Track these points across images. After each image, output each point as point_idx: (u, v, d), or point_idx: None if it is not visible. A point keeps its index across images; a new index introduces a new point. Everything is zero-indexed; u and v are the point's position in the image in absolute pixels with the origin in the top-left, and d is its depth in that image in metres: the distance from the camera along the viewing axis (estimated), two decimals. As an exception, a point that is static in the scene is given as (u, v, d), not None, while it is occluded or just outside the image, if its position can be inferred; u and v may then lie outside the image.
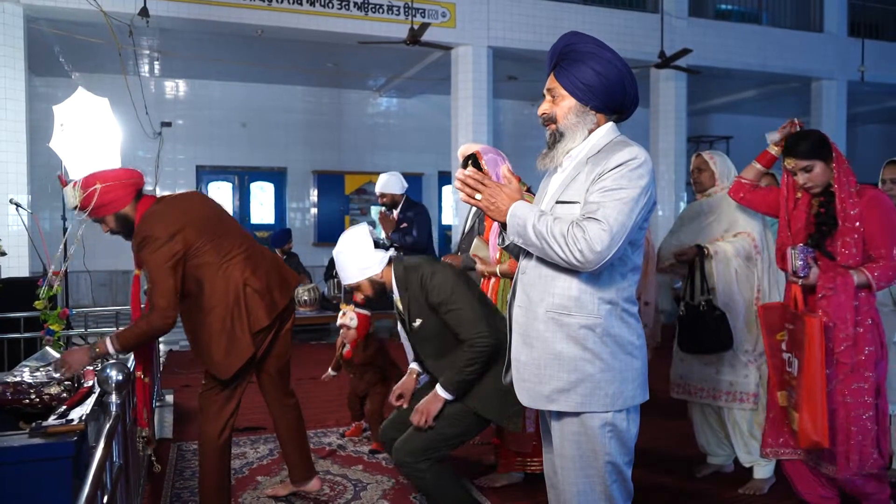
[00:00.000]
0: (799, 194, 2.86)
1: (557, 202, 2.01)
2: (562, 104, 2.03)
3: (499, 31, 9.55)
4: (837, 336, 2.64)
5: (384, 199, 6.21)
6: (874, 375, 2.65)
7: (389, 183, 6.14)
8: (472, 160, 3.62)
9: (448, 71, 9.88)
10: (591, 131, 2.03)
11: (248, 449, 4.02)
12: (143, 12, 7.41)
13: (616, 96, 2.02)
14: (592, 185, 1.92)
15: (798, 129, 3.00)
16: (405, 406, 2.96)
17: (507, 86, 11.97)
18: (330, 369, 4.26)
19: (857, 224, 2.66)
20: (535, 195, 3.66)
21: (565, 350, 1.94)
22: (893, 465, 3.50)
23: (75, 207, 2.86)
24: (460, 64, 9.59)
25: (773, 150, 3.15)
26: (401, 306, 2.85)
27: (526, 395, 2.03)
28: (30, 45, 7.91)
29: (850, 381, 2.65)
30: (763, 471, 3.40)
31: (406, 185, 6.28)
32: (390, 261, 2.85)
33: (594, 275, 1.92)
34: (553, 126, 2.05)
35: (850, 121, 13.11)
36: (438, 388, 2.72)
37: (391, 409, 3.14)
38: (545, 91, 2.07)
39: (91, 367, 2.83)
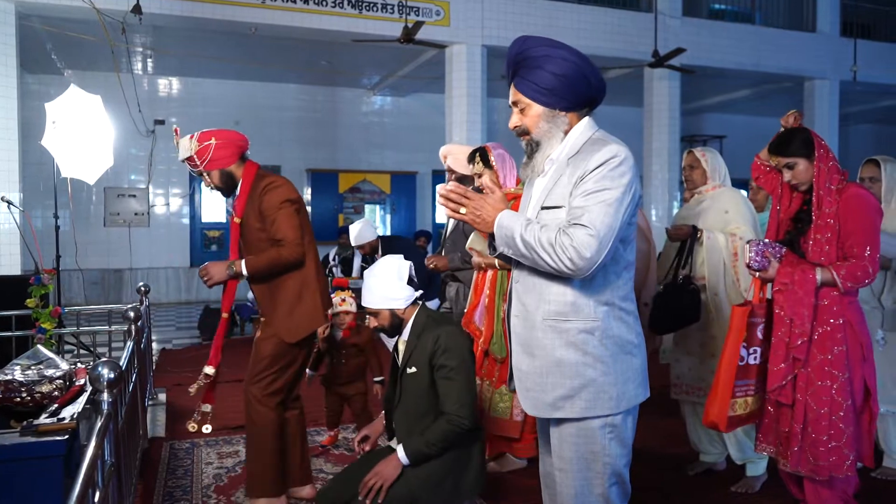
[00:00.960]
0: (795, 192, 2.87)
1: (543, 208, 2.00)
2: (530, 113, 2.02)
3: (493, 30, 9.55)
4: (793, 332, 2.65)
5: (364, 251, 6.30)
6: (846, 375, 2.60)
7: (362, 233, 6.14)
8: (482, 154, 3.60)
9: (442, 69, 9.88)
10: (566, 132, 2.02)
11: (241, 447, 4.01)
12: (136, 9, 7.39)
13: (581, 92, 2.00)
14: (575, 187, 1.91)
15: (798, 119, 3.02)
16: (367, 449, 2.85)
17: (501, 85, 11.95)
18: (308, 369, 4.18)
19: (832, 222, 2.63)
20: None
21: (566, 356, 1.93)
22: (885, 462, 3.52)
23: (186, 159, 3.15)
24: (454, 62, 9.59)
25: None
26: (402, 349, 2.78)
27: (530, 403, 2.02)
28: (22, 42, 7.87)
29: (815, 379, 2.63)
30: (755, 468, 3.41)
31: (376, 227, 6.35)
32: (417, 302, 2.77)
33: (588, 278, 1.90)
34: (527, 137, 2.05)
35: (843, 120, 13.17)
36: (399, 452, 2.57)
37: (377, 403, 3.11)
38: (510, 104, 2.07)
39: (84, 366, 2.83)
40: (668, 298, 3.38)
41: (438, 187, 2.03)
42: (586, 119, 2.04)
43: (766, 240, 2.81)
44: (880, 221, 2.69)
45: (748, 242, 2.77)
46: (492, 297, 3.52)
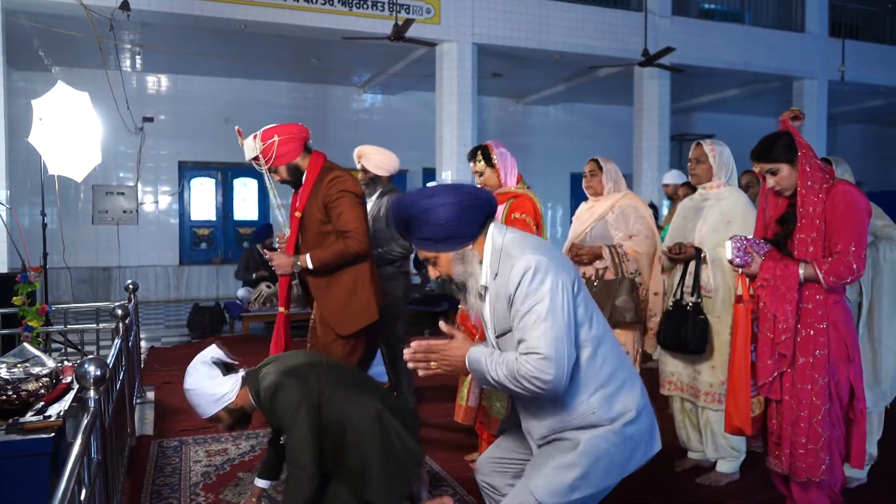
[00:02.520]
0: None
1: (497, 337, 2.09)
2: (441, 263, 2.09)
3: (483, 28, 9.55)
4: (777, 327, 2.63)
5: None
6: (825, 379, 2.59)
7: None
8: (483, 152, 3.60)
9: (432, 67, 9.88)
10: (481, 261, 2.07)
11: (230, 445, 4.00)
12: (124, 6, 7.35)
13: (474, 221, 2.05)
14: (510, 309, 1.98)
15: (799, 116, 2.98)
16: None
17: (491, 83, 11.99)
18: None
19: (818, 222, 2.60)
20: (529, 188, 3.67)
21: (571, 453, 2.02)
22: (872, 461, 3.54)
23: (254, 158, 3.24)
24: (445, 60, 9.59)
25: None
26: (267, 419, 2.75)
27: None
28: (8, 39, 7.81)
29: (797, 381, 2.62)
30: (726, 465, 3.43)
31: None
32: (244, 380, 2.68)
33: (567, 385, 1.96)
34: (451, 283, 2.12)
35: (831, 120, 13.26)
36: None
37: None
38: (423, 260, 2.14)
39: (71, 364, 2.81)
40: (677, 322, 3.35)
41: (405, 353, 2.09)
42: (490, 232, 2.09)
43: (748, 236, 2.79)
44: (869, 218, 2.64)
45: (730, 238, 2.76)
46: None
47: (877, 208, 3.33)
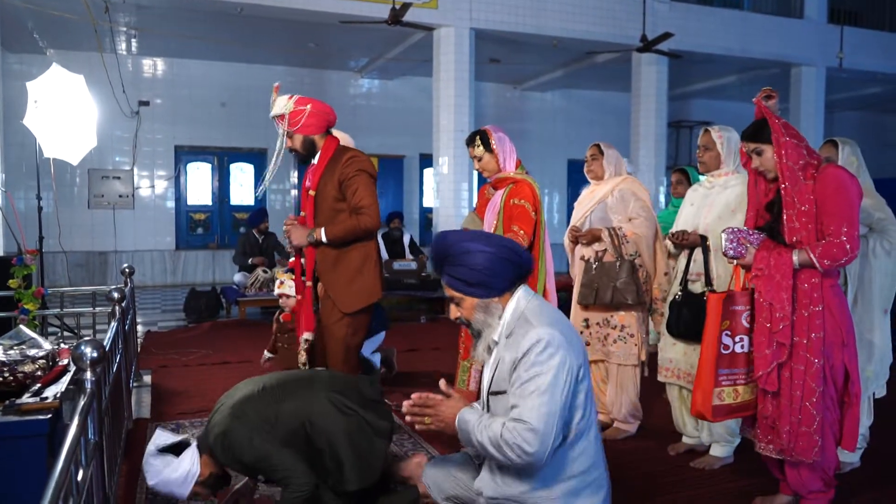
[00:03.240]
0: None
1: (490, 393, 2.11)
2: (465, 306, 2.14)
3: (481, 13, 9.50)
4: (774, 316, 2.65)
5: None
6: (820, 362, 2.61)
7: None
8: (482, 136, 3.60)
9: (430, 52, 9.83)
10: (500, 317, 2.12)
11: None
12: (120, -12, 7.29)
13: (508, 276, 2.10)
14: (512, 373, 2.00)
15: (772, 95, 2.94)
16: None
17: (489, 68, 11.93)
18: (266, 352, 4.12)
19: (807, 207, 2.60)
20: (528, 173, 3.67)
21: None
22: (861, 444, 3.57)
23: (278, 116, 3.31)
24: (442, 45, 9.54)
25: None
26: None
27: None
28: (3, 21, 7.76)
29: (790, 363, 2.64)
30: (720, 450, 3.44)
31: None
32: (200, 448, 2.58)
33: (543, 464, 1.99)
34: (468, 326, 2.17)
35: (828, 107, 13.24)
36: None
37: None
38: (448, 297, 2.18)
39: (67, 347, 2.81)
40: (690, 311, 3.33)
41: (404, 405, 2.13)
42: (518, 293, 2.14)
43: (741, 227, 2.80)
44: (860, 200, 2.65)
45: (723, 231, 2.77)
46: None
47: (879, 200, 3.32)
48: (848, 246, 2.55)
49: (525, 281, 2.18)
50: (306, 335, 3.45)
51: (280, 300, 3.86)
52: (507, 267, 2.08)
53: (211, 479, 2.59)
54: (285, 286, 3.84)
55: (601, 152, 3.89)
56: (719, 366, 2.78)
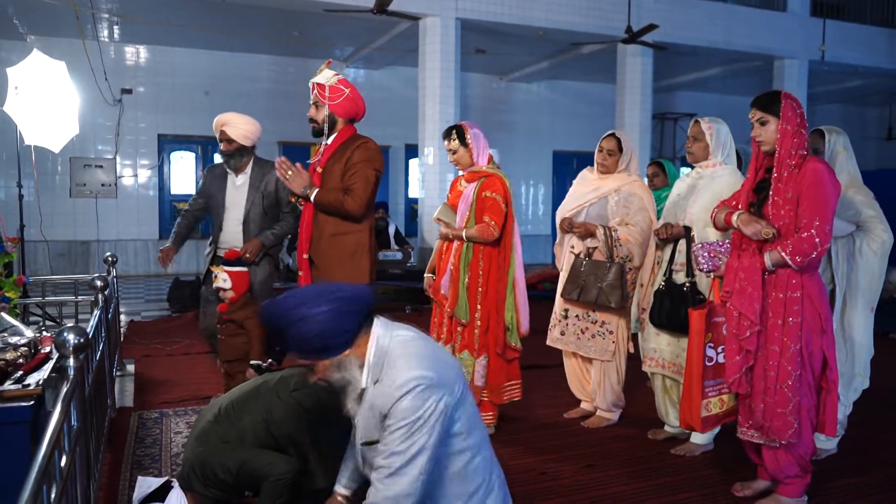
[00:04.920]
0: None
1: (362, 444, 2.08)
2: (318, 370, 2.04)
3: (467, 3, 9.47)
4: (741, 324, 2.71)
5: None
6: (797, 346, 2.64)
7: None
8: (458, 131, 3.62)
9: (416, 42, 9.80)
10: (361, 363, 2.03)
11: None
12: (102, -26, 7.19)
13: (351, 327, 2.00)
14: (382, 422, 1.98)
15: None
16: None
17: (475, 59, 11.91)
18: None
19: (790, 195, 2.63)
20: (500, 168, 3.69)
21: None
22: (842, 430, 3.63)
23: (318, 84, 3.44)
24: (428, 35, 9.51)
25: None
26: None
27: None
28: (-18, 6, 7.64)
29: (766, 342, 2.68)
30: (700, 437, 3.48)
31: None
32: (183, 488, 2.58)
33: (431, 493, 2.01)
34: (331, 387, 2.09)
35: (811, 100, 13.35)
36: None
37: None
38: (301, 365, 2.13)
39: (49, 335, 2.80)
40: (672, 301, 3.35)
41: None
42: (375, 332, 2.04)
43: (710, 242, 2.92)
44: (836, 196, 2.66)
45: (695, 245, 2.86)
46: (457, 266, 3.58)
47: (868, 194, 3.32)
48: (817, 239, 2.56)
49: (374, 316, 2.07)
50: None
51: (219, 294, 3.77)
52: (348, 319, 1.97)
53: None
54: (219, 279, 3.74)
55: (620, 149, 3.75)
56: (705, 378, 2.86)
